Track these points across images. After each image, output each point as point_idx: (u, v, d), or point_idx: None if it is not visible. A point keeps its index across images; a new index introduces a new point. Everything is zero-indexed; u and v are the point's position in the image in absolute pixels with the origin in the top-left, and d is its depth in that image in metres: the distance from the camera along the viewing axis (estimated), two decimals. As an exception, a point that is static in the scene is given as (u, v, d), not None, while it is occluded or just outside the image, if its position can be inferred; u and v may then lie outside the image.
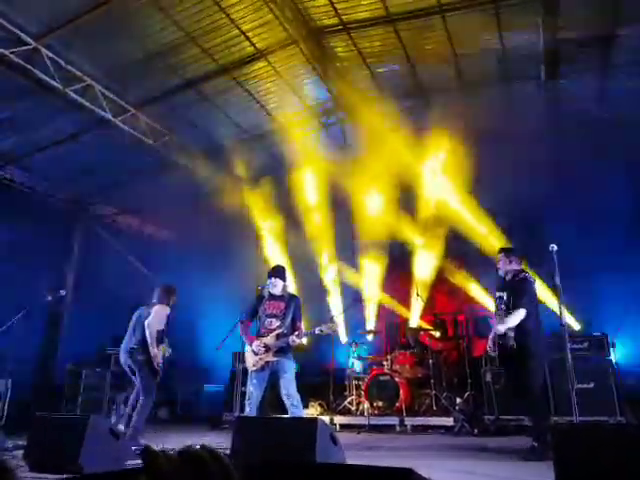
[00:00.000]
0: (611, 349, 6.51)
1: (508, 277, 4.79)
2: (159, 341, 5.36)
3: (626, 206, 7.43)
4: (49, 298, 6.15)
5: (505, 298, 4.69)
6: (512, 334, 4.51)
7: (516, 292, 4.60)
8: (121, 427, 5.18)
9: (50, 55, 6.48)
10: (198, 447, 0.54)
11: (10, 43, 6.16)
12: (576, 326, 7.89)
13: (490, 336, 4.75)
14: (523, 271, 4.73)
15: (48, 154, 8.60)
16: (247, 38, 6.85)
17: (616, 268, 7.43)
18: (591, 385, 6.15)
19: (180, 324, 8.97)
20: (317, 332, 4.82)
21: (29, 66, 6.36)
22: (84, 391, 7.99)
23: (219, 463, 0.53)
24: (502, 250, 4.97)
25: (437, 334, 8.37)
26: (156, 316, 5.40)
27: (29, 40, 6.23)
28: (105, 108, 7.38)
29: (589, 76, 7.33)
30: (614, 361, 6.43)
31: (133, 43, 6.67)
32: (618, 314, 7.33)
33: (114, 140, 8.34)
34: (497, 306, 4.76)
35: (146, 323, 5.35)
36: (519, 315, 4.47)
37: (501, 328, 4.46)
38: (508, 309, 4.59)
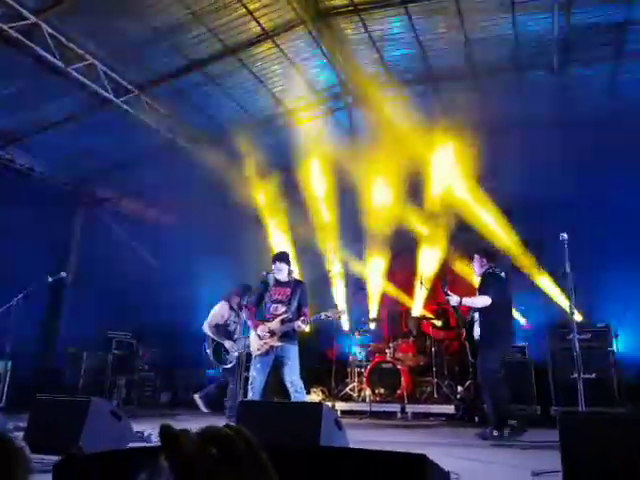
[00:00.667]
0: (614, 340, 6.50)
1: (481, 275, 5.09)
2: (225, 334, 5.99)
3: (632, 195, 7.33)
4: (50, 280, 6.10)
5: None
6: (477, 326, 4.84)
7: (481, 286, 4.92)
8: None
9: (50, 31, 6.32)
10: (221, 426, 0.48)
11: (9, 18, 6.00)
12: (578, 316, 7.86)
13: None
14: (491, 267, 4.99)
15: (49, 134, 8.48)
16: (254, 18, 6.69)
17: (618, 258, 7.37)
18: (593, 375, 6.15)
19: (183, 310, 9.00)
20: (323, 317, 4.86)
21: (29, 42, 6.22)
22: (85, 374, 7.99)
23: (246, 442, 0.46)
24: (476, 251, 5.28)
25: (439, 323, 8.34)
26: (217, 312, 6.13)
27: (28, 15, 6.07)
28: (107, 88, 7.26)
29: (602, 65, 7.21)
30: (616, 352, 6.41)
31: (137, 21, 6.52)
32: (620, 305, 7.29)
33: (116, 122, 8.23)
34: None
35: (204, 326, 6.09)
36: (481, 299, 4.77)
37: (453, 300, 4.79)
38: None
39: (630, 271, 7.35)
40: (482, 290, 4.86)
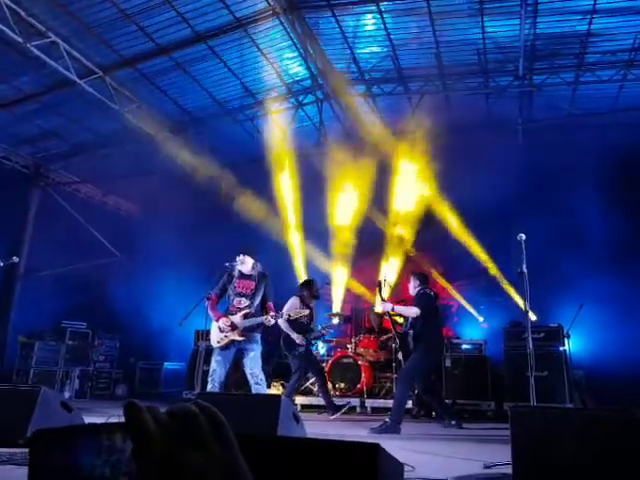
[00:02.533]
0: (565, 340, 6.74)
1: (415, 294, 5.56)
2: (297, 327, 6.12)
3: (588, 201, 7.60)
4: (1, 264, 5.83)
5: None
6: (411, 337, 5.33)
7: (416, 302, 5.43)
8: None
9: (8, 3, 6.02)
10: (187, 404, 0.47)
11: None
12: (533, 317, 8.09)
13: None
14: (423, 288, 5.49)
15: (6, 113, 8.11)
16: (225, 5, 6.59)
17: (571, 260, 7.62)
18: (545, 373, 6.35)
19: (143, 301, 8.78)
20: (285, 317, 4.85)
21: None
22: (36, 364, 7.70)
23: (211, 419, 0.45)
24: (412, 274, 5.82)
25: (401, 320, 8.44)
26: (290, 306, 6.16)
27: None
28: (70, 68, 6.98)
29: (565, 73, 7.47)
30: (567, 351, 6.65)
31: (105, 1, 6.30)
32: (572, 307, 7.55)
33: (78, 104, 7.95)
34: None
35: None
36: (412, 309, 5.30)
37: (387, 306, 5.39)
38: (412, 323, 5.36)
39: (583, 274, 7.62)
40: (416, 305, 5.40)
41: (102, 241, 10.13)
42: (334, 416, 6.03)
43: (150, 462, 0.42)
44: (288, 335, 6.16)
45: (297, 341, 6.08)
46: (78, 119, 8.55)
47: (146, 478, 0.43)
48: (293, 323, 6.09)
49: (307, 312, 5.65)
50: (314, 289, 6.45)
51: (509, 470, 2.57)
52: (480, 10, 6.41)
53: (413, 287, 5.60)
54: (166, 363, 9.21)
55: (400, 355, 5.84)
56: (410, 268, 8.79)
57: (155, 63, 7.47)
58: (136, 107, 8.11)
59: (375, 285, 8.39)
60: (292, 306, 6.23)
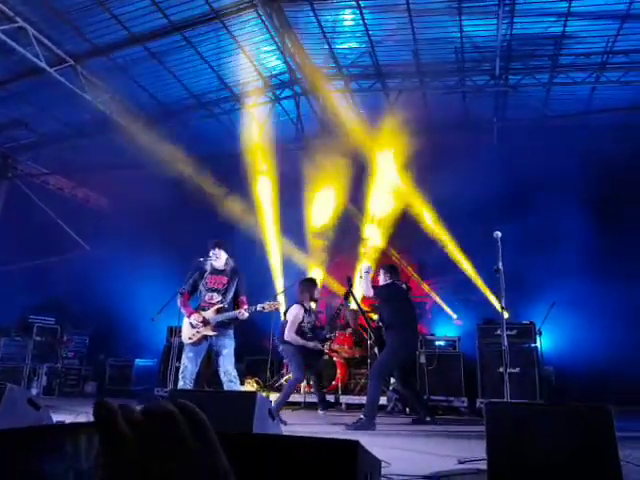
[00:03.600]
0: (537, 337, 6.87)
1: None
2: (300, 334, 5.76)
3: (560, 202, 7.75)
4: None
5: None
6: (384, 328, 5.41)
7: (377, 292, 5.51)
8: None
9: (-27, -14, 5.78)
10: (164, 402, 0.42)
11: None
12: (506, 314, 8.20)
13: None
14: (393, 281, 5.53)
15: (-30, 101, 7.79)
16: (203, -4, 6.46)
17: (544, 259, 7.75)
18: (517, 370, 6.46)
19: (113, 296, 8.56)
20: (259, 309, 4.75)
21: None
22: (2, 360, 7.46)
23: (190, 418, 0.41)
24: (382, 267, 5.86)
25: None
26: (296, 318, 5.78)
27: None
28: (40, 55, 6.74)
29: (539, 74, 7.60)
30: (539, 348, 6.78)
31: (76, -14, 6.10)
32: (543, 304, 7.70)
33: (48, 93, 7.68)
34: None
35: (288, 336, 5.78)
36: (367, 288, 5.43)
37: (364, 285, 5.48)
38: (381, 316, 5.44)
39: (555, 274, 7.77)
40: (377, 295, 5.44)
41: (71, 234, 9.84)
42: (323, 412, 6.05)
43: (122, 467, 0.38)
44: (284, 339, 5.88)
45: (312, 347, 5.79)
46: (48, 108, 8.27)
47: None
48: (300, 333, 5.78)
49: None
50: (313, 290, 6.00)
51: (483, 465, 2.59)
52: (458, 9, 6.45)
53: (383, 280, 5.58)
54: (137, 360, 9.00)
55: (376, 350, 5.84)
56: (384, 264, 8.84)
57: (129, 53, 7.28)
58: (109, 98, 7.89)
59: (358, 278, 8.44)
60: (296, 318, 5.82)
